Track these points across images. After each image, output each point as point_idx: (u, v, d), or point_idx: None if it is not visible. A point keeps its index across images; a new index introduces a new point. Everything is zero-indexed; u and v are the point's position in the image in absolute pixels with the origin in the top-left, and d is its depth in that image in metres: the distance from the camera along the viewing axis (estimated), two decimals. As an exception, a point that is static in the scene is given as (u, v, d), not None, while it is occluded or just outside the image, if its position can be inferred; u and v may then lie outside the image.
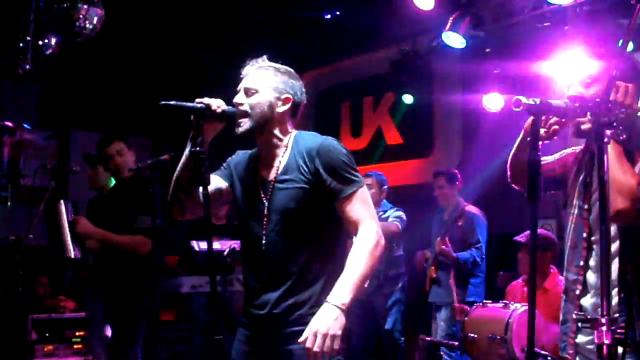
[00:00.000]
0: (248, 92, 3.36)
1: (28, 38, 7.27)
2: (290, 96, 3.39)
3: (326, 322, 3.04)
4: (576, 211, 3.30)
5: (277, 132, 3.40)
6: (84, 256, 5.84)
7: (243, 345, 3.43)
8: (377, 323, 7.64)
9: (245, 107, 3.34)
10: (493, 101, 8.32)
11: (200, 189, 3.15)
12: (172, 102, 3.17)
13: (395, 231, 7.44)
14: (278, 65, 3.46)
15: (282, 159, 3.38)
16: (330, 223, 3.32)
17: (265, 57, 3.47)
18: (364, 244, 3.20)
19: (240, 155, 3.62)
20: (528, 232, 6.14)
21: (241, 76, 3.45)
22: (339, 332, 3.05)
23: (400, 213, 7.63)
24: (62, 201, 5.86)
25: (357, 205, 3.26)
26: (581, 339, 3.23)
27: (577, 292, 3.24)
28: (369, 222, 3.25)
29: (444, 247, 7.19)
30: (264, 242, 3.34)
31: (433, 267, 7.38)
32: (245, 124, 3.34)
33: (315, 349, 3.01)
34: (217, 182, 3.50)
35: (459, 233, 7.34)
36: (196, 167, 3.17)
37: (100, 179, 6.51)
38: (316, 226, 3.30)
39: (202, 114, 3.23)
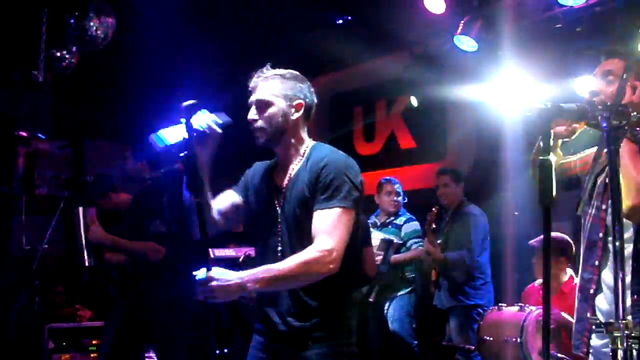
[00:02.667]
0: (260, 106, 3.36)
1: (41, 49, 7.31)
2: (301, 101, 3.41)
3: (223, 279, 3.02)
4: (594, 211, 3.31)
5: (293, 140, 3.42)
6: (100, 264, 5.84)
7: (258, 352, 3.44)
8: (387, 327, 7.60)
9: (260, 123, 3.36)
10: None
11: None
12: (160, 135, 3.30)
13: (419, 256, 7.46)
14: (283, 71, 3.46)
15: (295, 167, 3.39)
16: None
17: (268, 65, 3.47)
18: (305, 254, 3.15)
19: (257, 166, 3.64)
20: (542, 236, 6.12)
21: (249, 89, 3.45)
22: (219, 296, 3.02)
23: (417, 230, 7.59)
24: (80, 208, 5.86)
25: (326, 220, 3.20)
26: (595, 341, 3.23)
27: (592, 291, 3.25)
28: (327, 239, 3.17)
29: (430, 246, 7.08)
30: (279, 249, 3.36)
31: (434, 271, 7.30)
32: (261, 138, 3.37)
33: (196, 278, 3.01)
34: (231, 197, 3.55)
35: (453, 233, 7.24)
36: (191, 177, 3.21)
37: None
38: (308, 232, 3.27)
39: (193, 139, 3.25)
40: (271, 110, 3.35)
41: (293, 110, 3.39)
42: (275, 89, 3.38)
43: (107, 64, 9.63)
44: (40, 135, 9.59)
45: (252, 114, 3.39)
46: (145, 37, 9.66)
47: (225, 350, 7.20)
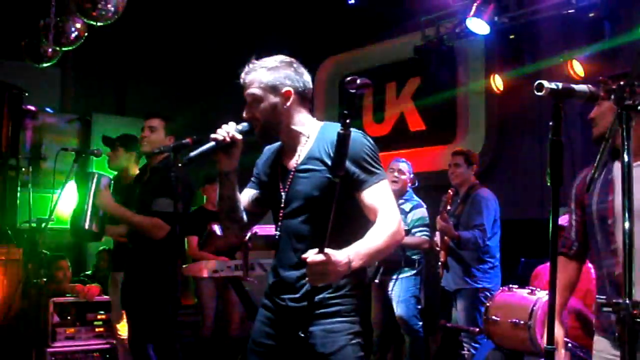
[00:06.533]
0: (251, 103, 3.36)
1: (50, 21, 7.29)
2: (289, 88, 3.35)
3: (336, 260, 2.95)
4: None
5: (293, 126, 3.39)
6: (100, 231, 5.85)
7: (264, 326, 3.43)
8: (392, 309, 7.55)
9: (253, 120, 3.35)
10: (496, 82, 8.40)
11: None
12: (192, 155, 3.26)
13: (425, 245, 7.39)
14: (267, 61, 3.40)
15: (303, 148, 3.38)
16: (350, 212, 3.28)
17: (253, 58, 3.42)
18: (386, 225, 3.17)
19: (266, 151, 3.64)
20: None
21: (241, 84, 3.43)
22: (332, 278, 2.98)
23: (423, 218, 7.50)
24: (96, 174, 5.89)
25: (380, 195, 3.24)
26: None
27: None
28: (391, 210, 3.22)
29: (444, 223, 6.98)
30: (279, 227, 3.38)
31: (443, 252, 7.23)
32: (257, 134, 3.37)
33: (309, 260, 2.92)
34: (250, 194, 3.59)
35: (465, 215, 7.18)
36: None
37: (119, 161, 6.62)
38: (337, 215, 3.26)
39: (218, 149, 3.30)
40: (261, 106, 3.34)
41: (282, 99, 3.35)
42: (261, 82, 3.34)
43: (115, 38, 9.63)
44: (48, 109, 9.60)
45: (245, 111, 3.38)
46: (153, 11, 9.67)
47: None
